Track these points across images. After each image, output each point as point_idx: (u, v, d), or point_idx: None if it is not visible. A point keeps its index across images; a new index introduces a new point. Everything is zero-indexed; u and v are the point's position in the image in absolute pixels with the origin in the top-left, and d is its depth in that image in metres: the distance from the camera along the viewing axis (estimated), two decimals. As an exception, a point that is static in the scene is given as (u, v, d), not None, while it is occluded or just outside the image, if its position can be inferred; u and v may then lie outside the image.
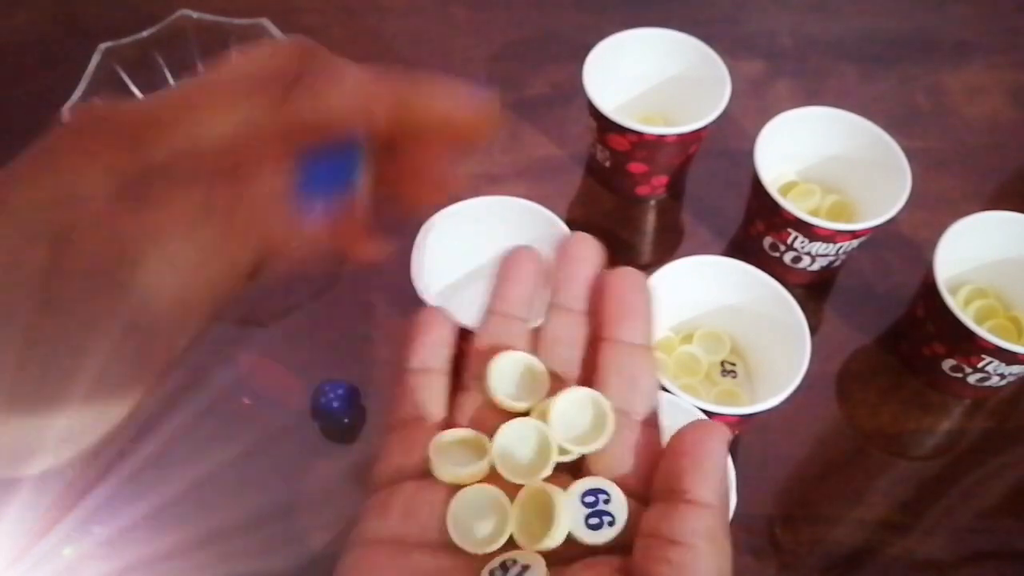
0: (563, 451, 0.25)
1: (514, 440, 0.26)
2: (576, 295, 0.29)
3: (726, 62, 0.57)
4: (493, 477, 0.26)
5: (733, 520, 0.48)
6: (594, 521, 0.24)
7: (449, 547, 0.25)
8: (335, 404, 0.50)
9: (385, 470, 0.27)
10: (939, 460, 0.52)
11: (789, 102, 0.63)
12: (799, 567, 0.47)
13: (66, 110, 0.53)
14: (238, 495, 0.48)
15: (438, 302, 0.46)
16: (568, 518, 0.24)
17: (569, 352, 0.28)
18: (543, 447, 0.26)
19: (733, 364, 0.52)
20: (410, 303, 0.48)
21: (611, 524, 0.24)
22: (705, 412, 0.43)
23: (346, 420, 0.51)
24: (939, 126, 0.67)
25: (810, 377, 0.44)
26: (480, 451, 0.26)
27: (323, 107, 0.24)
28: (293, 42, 0.26)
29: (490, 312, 0.30)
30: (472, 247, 0.52)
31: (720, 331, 0.52)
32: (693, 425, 0.25)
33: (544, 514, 0.24)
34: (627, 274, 0.29)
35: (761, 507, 0.49)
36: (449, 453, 0.26)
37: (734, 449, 0.51)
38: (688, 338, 0.52)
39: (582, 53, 0.57)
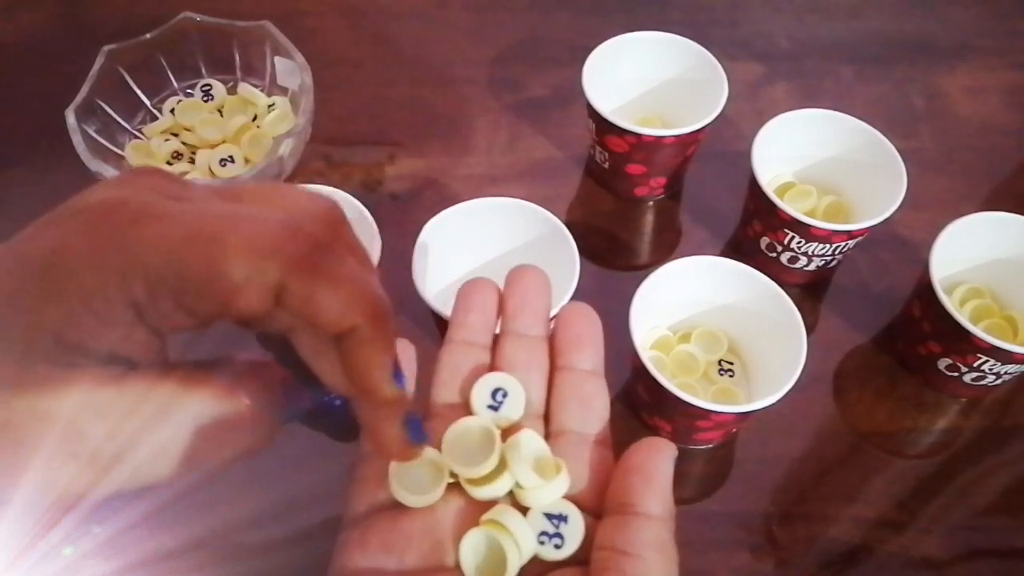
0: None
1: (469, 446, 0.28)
2: (530, 323, 0.31)
3: (723, 64, 0.57)
4: (456, 496, 0.27)
5: (730, 518, 0.49)
6: (549, 543, 0.26)
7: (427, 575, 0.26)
8: (336, 403, 0.50)
9: (359, 502, 0.28)
10: (935, 458, 0.52)
11: (786, 104, 0.63)
12: (796, 564, 0.47)
13: (69, 113, 0.53)
14: (238, 495, 0.48)
15: (438, 302, 0.46)
16: (526, 544, 0.26)
17: (525, 376, 0.30)
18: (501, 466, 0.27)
19: (730, 363, 0.52)
20: (410, 303, 0.48)
21: (558, 547, 0.26)
22: (703, 410, 0.44)
23: (347, 419, 0.51)
24: (935, 127, 0.67)
25: (807, 376, 0.44)
26: (440, 472, 0.27)
27: (311, 313, 0.22)
28: (325, 208, 0.24)
29: (450, 341, 0.31)
30: (472, 247, 0.52)
31: (717, 330, 0.52)
32: (642, 443, 0.27)
33: (500, 545, 0.26)
34: (578, 307, 0.31)
35: (758, 505, 0.49)
36: (409, 475, 0.27)
37: (732, 447, 0.52)
38: (686, 337, 0.53)
39: (581, 56, 0.57)
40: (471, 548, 0.26)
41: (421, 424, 0.26)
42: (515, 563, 0.25)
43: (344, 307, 0.22)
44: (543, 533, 0.26)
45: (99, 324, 0.21)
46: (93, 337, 0.21)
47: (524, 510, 0.27)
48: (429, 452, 0.28)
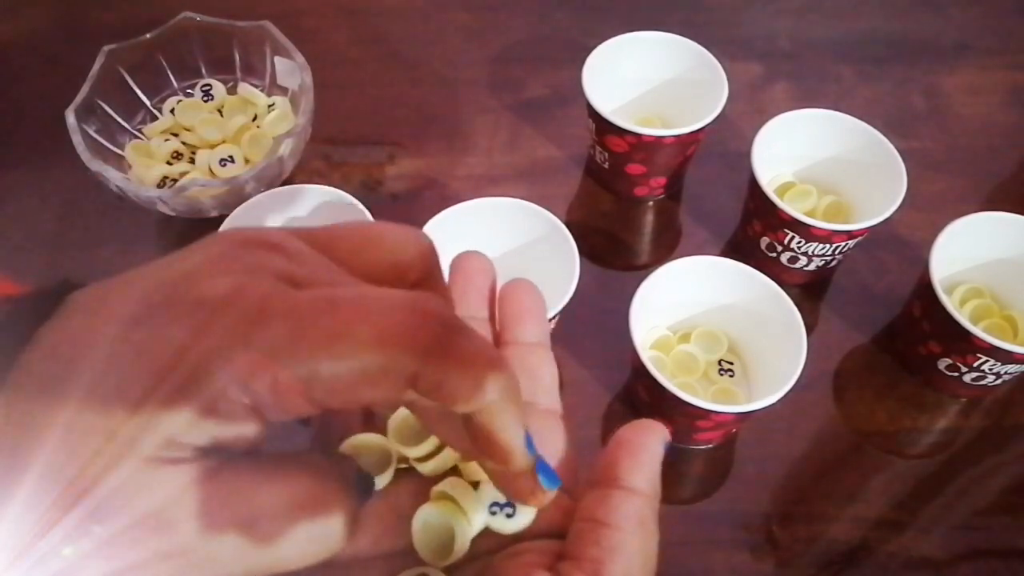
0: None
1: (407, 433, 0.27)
2: (476, 305, 0.31)
3: (723, 64, 0.57)
4: (408, 480, 0.27)
5: (731, 518, 0.49)
6: (501, 513, 0.26)
7: (379, 560, 0.26)
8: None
9: None
10: (935, 458, 0.52)
11: (786, 104, 0.63)
12: (796, 564, 0.48)
13: (69, 113, 0.53)
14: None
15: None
16: (476, 515, 0.26)
17: None
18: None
19: (730, 363, 0.52)
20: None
21: (510, 516, 0.26)
22: (703, 410, 0.44)
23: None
24: (935, 127, 0.67)
25: (807, 376, 0.44)
26: (387, 457, 0.27)
27: (443, 397, 0.21)
28: (424, 253, 0.24)
29: None
30: (472, 247, 0.52)
31: (717, 330, 0.52)
32: (635, 423, 0.27)
33: (454, 513, 0.26)
34: (520, 283, 0.31)
35: (758, 505, 0.49)
36: (357, 461, 0.27)
37: (732, 447, 0.52)
38: (686, 337, 0.53)
39: (581, 56, 0.57)
40: (422, 525, 0.26)
41: (548, 466, 0.26)
42: (464, 534, 0.25)
43: (476, 388, 0.21)
44: (494, 504, 0.26)
45: (216, 425, 0.20)
46: (204, 437, 0.20)
47: (476, 484, 0.27)
48: (376, 438, 0.28)
